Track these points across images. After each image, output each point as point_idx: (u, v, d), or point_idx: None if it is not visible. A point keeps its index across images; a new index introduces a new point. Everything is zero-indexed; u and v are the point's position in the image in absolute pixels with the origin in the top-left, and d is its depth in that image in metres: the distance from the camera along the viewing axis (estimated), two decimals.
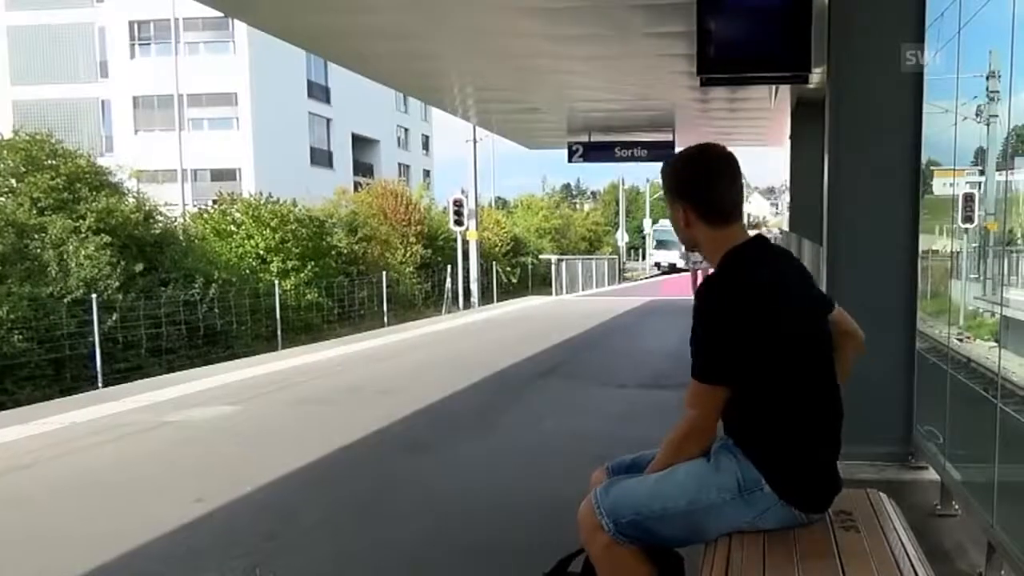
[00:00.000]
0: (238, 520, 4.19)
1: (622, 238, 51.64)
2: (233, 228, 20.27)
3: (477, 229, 26.21)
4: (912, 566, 2.04)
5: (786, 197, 23.19)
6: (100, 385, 12.47)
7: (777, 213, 71.75)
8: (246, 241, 19.98)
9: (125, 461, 5.50)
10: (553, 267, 29.06)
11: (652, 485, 2.19)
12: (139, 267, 15.62)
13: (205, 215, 21.30)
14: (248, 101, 32.73)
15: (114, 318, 14.28)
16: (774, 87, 10.00)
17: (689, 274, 16.63)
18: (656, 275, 44.50)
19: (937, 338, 4.73)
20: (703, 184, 2.21)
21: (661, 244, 49.34)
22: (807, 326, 2.20)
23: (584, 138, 15.43)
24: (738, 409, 2.16)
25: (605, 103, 12.49)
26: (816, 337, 2.21)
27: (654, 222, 51.77)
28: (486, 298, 26.33)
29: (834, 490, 2.23)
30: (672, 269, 42.78)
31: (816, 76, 6.09)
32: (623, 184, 59.93)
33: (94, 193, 16.21)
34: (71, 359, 13.61)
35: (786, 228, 18.09)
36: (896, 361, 4.36)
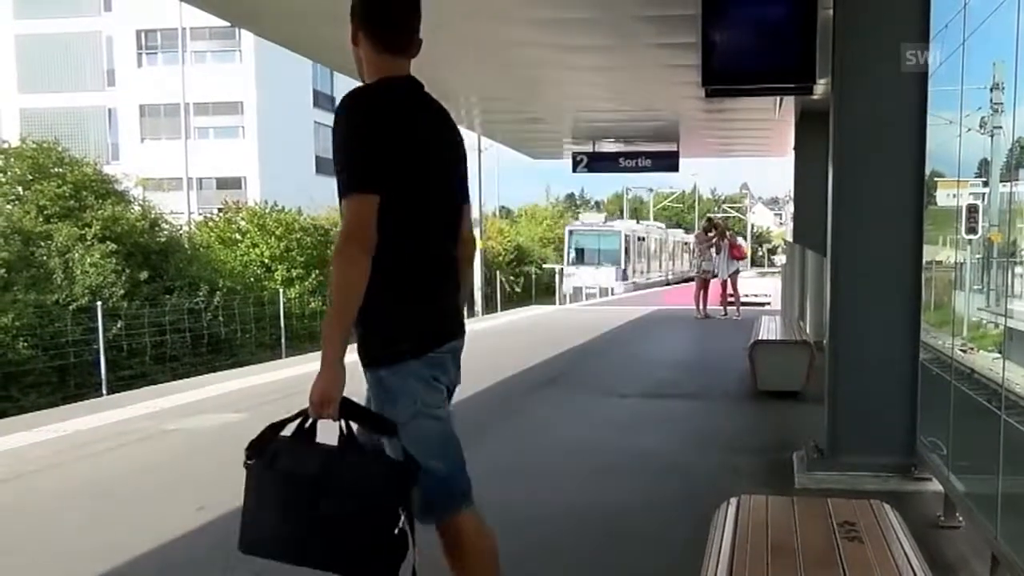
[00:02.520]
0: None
1: None
2: (238, 236, 20.36)
3: (481, 238, 26.24)
4: None
5: (790, 208, 23.18)
6: (104, 392, 12.50)
7: (781, 224, 71.65)
8: (251, 249, 20.05)
9: (129, 469, 5.51)
10: (556, 276, 29.12)
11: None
12: (144, 275, 15.70)
13: (210, 223, 21.41)
14: (254, 110, 32.89)
15: (119, 325, 14.34)
16: (778, 98, 10.02)
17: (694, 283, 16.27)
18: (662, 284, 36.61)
19: (940, 349, 4.72)
20: (381, 5, 2.26)
21: (583, 256, 32.68)
22: (439, 162, 2.27)
23: (588, 148, 15.48)
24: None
25: (610, 113, 12.52)
26: (446, 177, 2.29)
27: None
28: (490, 307, 26.33)
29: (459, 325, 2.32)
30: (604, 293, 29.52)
31: (821, 87, 6.11)
32: (627, 195, 59.99)
33: (100, 201, 16.33)
34: (75, 366, 13.66)
35: (790, 239, 18.07)
36: (899, 372, 4.35)
